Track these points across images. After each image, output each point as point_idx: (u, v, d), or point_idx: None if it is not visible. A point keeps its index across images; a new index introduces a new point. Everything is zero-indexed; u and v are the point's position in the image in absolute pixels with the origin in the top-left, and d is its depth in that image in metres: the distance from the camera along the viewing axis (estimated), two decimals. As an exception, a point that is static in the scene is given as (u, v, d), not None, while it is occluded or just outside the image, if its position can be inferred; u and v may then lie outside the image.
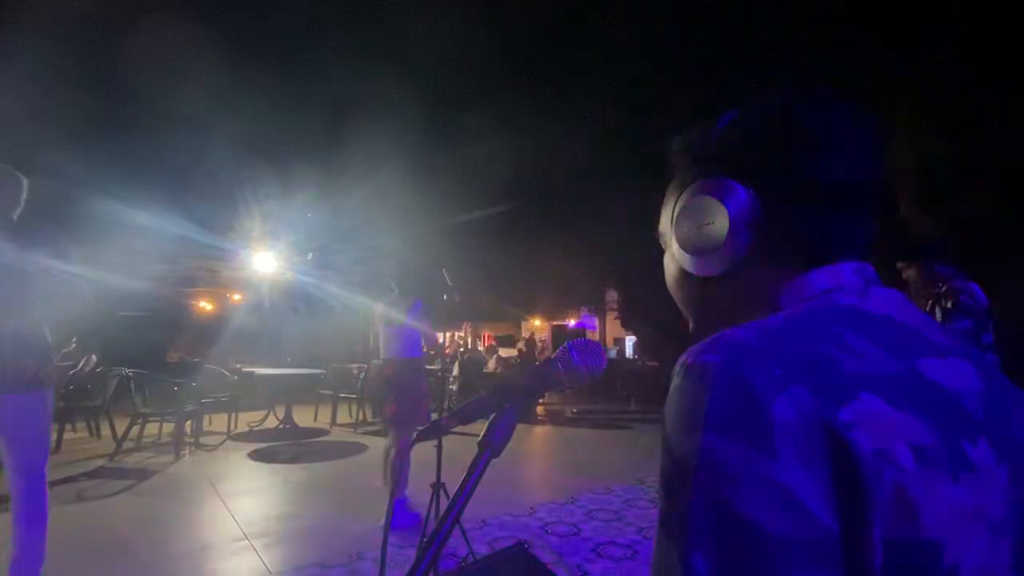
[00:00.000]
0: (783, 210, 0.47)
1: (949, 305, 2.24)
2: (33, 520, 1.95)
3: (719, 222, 0.48)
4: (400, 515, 3.01)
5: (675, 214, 0.53)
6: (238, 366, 7.28)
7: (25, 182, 2.04)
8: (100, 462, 4.57)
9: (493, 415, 0.60)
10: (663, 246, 0.60)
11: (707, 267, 0.51)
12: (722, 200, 0.48)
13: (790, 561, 0.32)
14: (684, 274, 0.54)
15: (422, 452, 3.67)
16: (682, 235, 0.52)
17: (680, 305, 0.59)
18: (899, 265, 2.45)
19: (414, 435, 0.68)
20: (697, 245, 0.51)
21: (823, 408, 0.34)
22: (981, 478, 0.36)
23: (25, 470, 1.94)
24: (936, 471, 0.34)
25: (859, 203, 0.47)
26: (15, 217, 2.01)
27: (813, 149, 0.47)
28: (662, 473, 0.39)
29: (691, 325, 0.58)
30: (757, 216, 0.48)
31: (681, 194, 0.53)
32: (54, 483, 3.70)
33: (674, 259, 0.56)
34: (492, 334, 18.29)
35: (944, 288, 2.31)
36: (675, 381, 0.40)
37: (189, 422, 5.30)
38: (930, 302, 2.31)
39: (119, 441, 4.82)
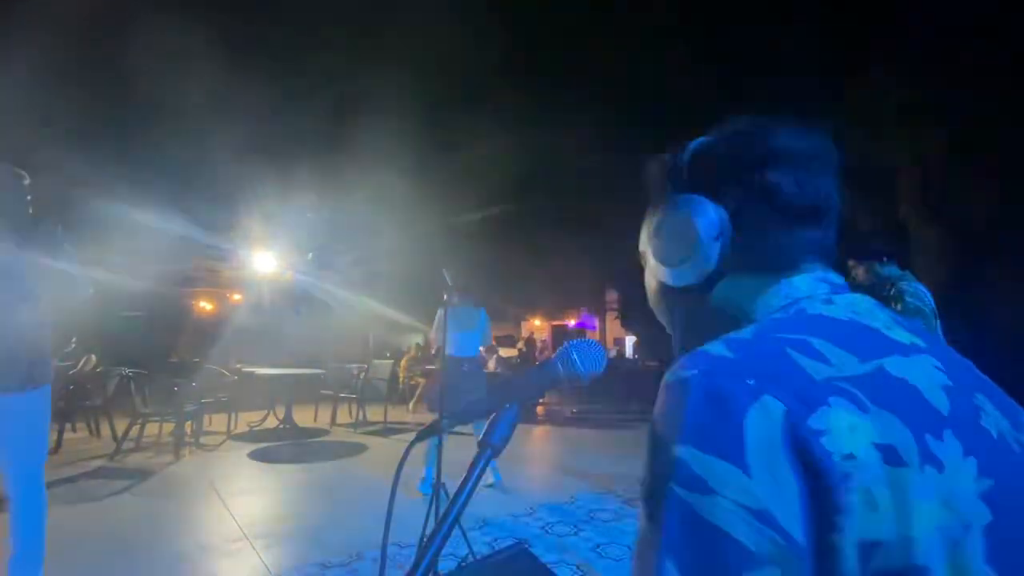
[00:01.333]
0: (750, 224, 0.51)
1: (899, 308, 2.27)
2: (31, 520, 1.94)
3: (689, 235, 0.52)
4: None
5: (651, 230, 0.57)
6: (238, 366, 7.28)
7: (27, 180, 2.02)
8: (100, 462, 4.57)
9: (493, 415, 0.60)
10: (643, 263, 0.63)
11: (681, 278, 0.54)
12: (692, 215, 0.52)
13: (758, 573, 0.34)
14: (662, 287, 0.58)
15: (422, 452, 3.69)
16: (657, 249, 0.56)
17: (660, 318, 0.62)
18: (850, 263, 2.47)
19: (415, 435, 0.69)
20: (670, 258, 0.54)
21: (794, 417, 0.36)
22: (947, 472, 0.36)
23: (22, 470, 1.93)
24: (904, 469, 0.35)
25: (819, 215, 0.51)
26: (28, 213, 1.99)
27: (776, 168, 0.50)
28: (642, 483, 0.41)
29: (672, 338, 0.61)
30: (725, 230, 0.51)
31: (656, 211, 0.57)
32: (54, 483, 3.71)
33: (653, 274, 0.59)
34: (492, 334, 18.28)
35: (892, 291, 2.33)
36: (658, 399, 0.42)
37: (189, 422, 5.29)
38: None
39: (119, 441, 4.82)
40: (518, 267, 11.75)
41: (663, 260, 0.55)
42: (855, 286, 0.54)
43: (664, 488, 0.38)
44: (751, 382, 0.38)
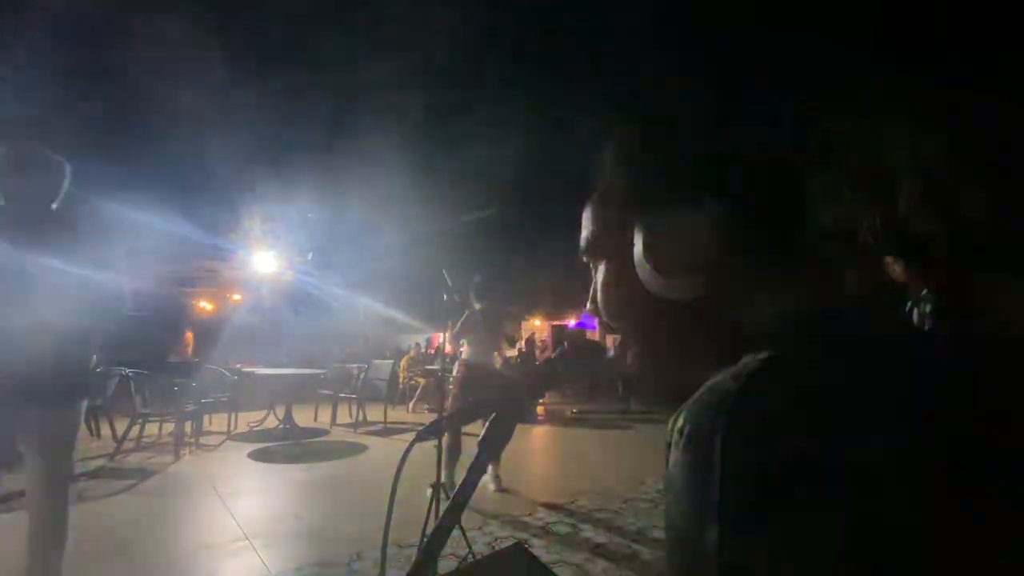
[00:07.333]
0: (757, 240, 0.44)
1: (928, 309, 2.27)
2: (56, 534, 1.90)
3: (705, 245, 0.44)
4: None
5: (647, 227, 0.47)
6: (238, 366, 7.28)
7: (68, 168, 1.87)
8: (100, 462, 4.56)
9: (493, 415, 0.60)
10: (597, 256, 0.56)
11: (678, 290, 0.46)
12: (711, 223, 0.44)
13: None
14: (639, 293, 0.48)
15: (422, 452, 3.68)
16: (662, 252, 0.46)
17: (617, 325, 0.55)
18: (888, 259, 2.43)
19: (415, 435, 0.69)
20: (674, 267, 0.45)
21: (840, 462, 0.31)
22: None
23: (52, 484, 1.90)
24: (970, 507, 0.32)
25: (831, 231, 0.49)
26: (54, 207, 1.84)
27: (803, 182, 0.47)
28: (672, 571, 0.34)
29: (620, 348, 0.55)
30: (750, 244, 0.44)
31: (652, 205, 0.47)
32: (54, 483, 3.70)
33: (624, 276, 0.50)
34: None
35: (924, 292, 2.32)
36: (674, 454, 0.35)
37: (189, 422, 5.29)
38: (909, 304, 2.33)
39: (119, 441, 4.82)
40: (518, 267, 11.76)
41: (665, 270, 0.45)
42: (882, 285, 0.50)
43: None
44: (791, 436, 0.32)
